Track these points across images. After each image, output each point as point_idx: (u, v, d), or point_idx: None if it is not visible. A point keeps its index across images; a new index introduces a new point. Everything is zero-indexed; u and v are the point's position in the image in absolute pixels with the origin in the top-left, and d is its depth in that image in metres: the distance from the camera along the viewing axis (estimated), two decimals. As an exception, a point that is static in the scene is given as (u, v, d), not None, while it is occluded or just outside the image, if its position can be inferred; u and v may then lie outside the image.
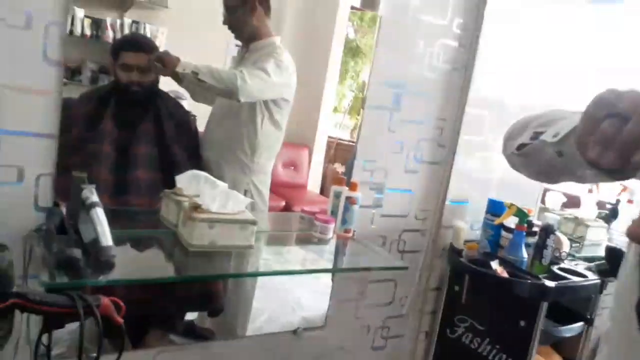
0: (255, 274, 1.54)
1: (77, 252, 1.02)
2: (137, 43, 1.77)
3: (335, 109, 3.96)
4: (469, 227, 1.94)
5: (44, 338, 0.91)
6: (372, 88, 1.72)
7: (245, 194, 1.81)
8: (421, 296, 2.01)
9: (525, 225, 1.80)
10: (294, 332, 1.74)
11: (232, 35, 1.81)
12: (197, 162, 1.82)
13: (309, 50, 3.61)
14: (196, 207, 1.30)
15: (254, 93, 1.68)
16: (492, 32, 1.84)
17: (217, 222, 1.29)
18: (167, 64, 1.63)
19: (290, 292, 2.05)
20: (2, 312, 0.81)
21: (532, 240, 1.82)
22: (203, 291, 1.73)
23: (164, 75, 1.67)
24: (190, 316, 1.87)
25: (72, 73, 3.25)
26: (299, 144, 3.94)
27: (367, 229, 1.79)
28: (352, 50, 3.49)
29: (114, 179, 1.61)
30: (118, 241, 1.31)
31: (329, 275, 1.83)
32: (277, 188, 3.95)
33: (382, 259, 1.61)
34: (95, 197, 1.15)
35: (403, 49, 1.73)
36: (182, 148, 1.76)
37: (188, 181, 1.44)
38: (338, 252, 1.64)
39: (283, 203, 3.54)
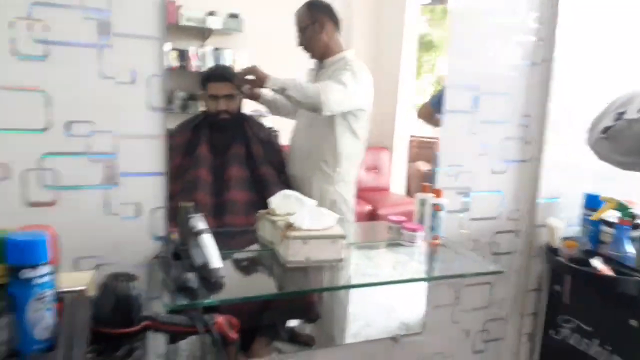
0: (348, 287, 1.61)
1: (191, 276, 1.15)
2: (222, 74, 1.90)
3: (417, 106, 3.94)
4: (564, 224, 1.87)
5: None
6: (448, 92, 1.73)
7: (333, 204, 1.90)
8: (520, 298, 1.97)
9: (629, 219, 1.70)
10: (393, 338, 1.79)
11: (307, 53, 1.92)
12: (285, 178, 1.94)
13: (381, 51, 3.65)
14: (290, 226, 1.40)
15: (335, 107, 1.77)
16: (569, 21, 1.78)
17: (310, 239, 1.38)
18: (259, 78, 1.75)
19: (384, 296, 2.07)
20: (137, 333, 0.95)
21: (638, 234, 1.71)
22: (301, 301, 1.82)
23: (255, 86, 1.79)
24: (291, 323, 1.99)
25: (169, 102, 3.55)
26: (378, 146, 3.99)
27: (456, 233, 1.79)
28: (426, 45, 3.45)
29: (212, 201, 1.76)
30: (224, 262, 1.46)
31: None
32: (362, 193, 4.00)
33: (475, 263, 1.60)
34: (202, 225, 1.28)
35: (476, 50, 1.72)
36: (270, 167, 1.88)
37: (280, 201, 1.55)
38: (430, 259, 1.66)
39: (369, 207, 3.60)
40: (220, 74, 1.92)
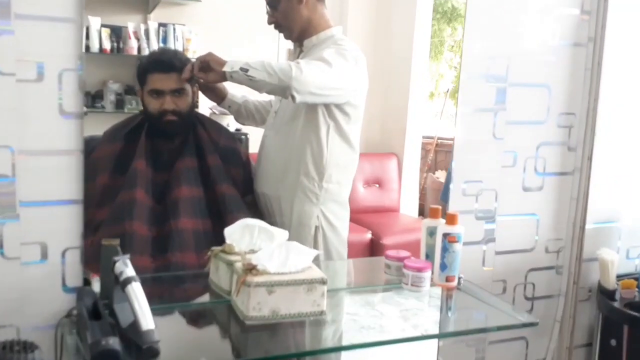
0: (333, 350, 1.62)
1: (114, 342, 1.16)
2: (169, 62, 1.88)
3: (431, 95, 3.95)
4: (622, 256, 1.91)
5: None
6: (464, 85, 1.76)
7: (315, 232, 1.92)
8: (565, 357, 2.00)
9: None
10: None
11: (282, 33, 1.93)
12: (252, 199, 1.95)
13: (385, 26, 3.68)
14: (251, 269, 1.41)
15: (311, 87, 1.73)
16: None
17: (277, 286, 1.39)
18: (214, 65, 1.74)
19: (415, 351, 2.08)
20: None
21: None
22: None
23: (211, 81, 1.81)
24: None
25: (92, 99, 3.55)
26: (384, 153, 4.01)
27: (478, 272, 1.82)
28: (446, 15, 3.48)
29: (152, 233, 1.78)
30: (162, 319, 1.47)
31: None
32: (359, 215, 4.00)
33: (500, 313, 1.63)
34: (130, 270, 1.30)
35: (502, 27, 1.76)
36: (232, 185, 1.90)
37: (239, 234, 1.57)
38: (442, 308, 1.69)
39: (368, 236, 3.60)
40: (165, 61, 1.91)
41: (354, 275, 1.99)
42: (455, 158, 1.80)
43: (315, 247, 1.91)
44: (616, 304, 1.80)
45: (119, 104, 2.48)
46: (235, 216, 1.72)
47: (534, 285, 1.93)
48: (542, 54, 1.83)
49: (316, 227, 1.92)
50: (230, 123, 2.39)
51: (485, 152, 1.81)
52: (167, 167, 1.85)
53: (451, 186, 1.80)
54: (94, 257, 1.40)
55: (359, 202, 3.94)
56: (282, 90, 1.72)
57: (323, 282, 1.44)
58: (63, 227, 1.35)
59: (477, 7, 1.74)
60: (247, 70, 1.70)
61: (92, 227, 1.76)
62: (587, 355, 2.01)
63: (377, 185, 3.97)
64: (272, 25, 1.91)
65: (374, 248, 3.46)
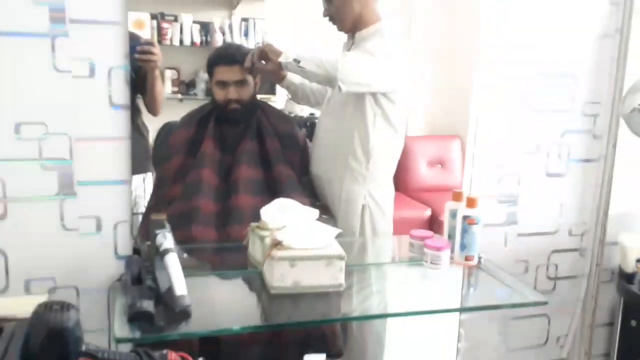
0: (342, 319, 1.64)
1: (148, 305, 1.22)
2: (231, 56, 1.93)
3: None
4: (643, 242, 1.82)
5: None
6: (482, 68, 1.71)
7: (362, 211, 1.93)
8: (587, 335, 1.94)
9: None
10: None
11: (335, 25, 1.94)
12: (307, 180, 1.99)
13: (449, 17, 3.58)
14: (277, 244, 1.44)
15: (358, 78, 1.77)
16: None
17: (299, 260, 1.42)
18: (271, 55, 1.80)
19: (442, 324, 2.07)
20: (74, 370, 1.03)
21: None
22: (317, 333, 1.86)
23: (269, 68, 1.84)
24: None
25: (186, 87, 3.73)
26: (446, 135, 3.95)
27: (499, 253, 1.79)
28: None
29: (216, 208, 1.84)
30: (204, 286, 1.53)
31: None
32: (421, 194, 4.00)
33: (515, 291, 1.59)
34: (168, 243, 1.35)
35: (525, 15, 1.70)
36: (289, 166, 1.93)
37: (274, 212, 1.60)
38: (462, 285, 1.67)
39: (429, 212, 3.58)
40: (229, 55, 1.96)
41: (396, 250, 1.98)
42: (478, 141, 1.76)
43: (362, 224, 1.94)
44: (634, 287, 1.72)
45: (209, 92, 2.57)
46: (289, 195, 1.75)
47: (556, 266, 1.88)
48: (567, 43, 1.76)
49: (363, 206, 1.94)
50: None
51: (508, 137, 1.77)
52: (232, 149, 1.91)
53: (472, 171, 1.76)
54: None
55: (422, 182, 3.93)
56: (330, 80, 1.77)
57: (341, 257, 1.45)
58: (114, 204, 1.42)
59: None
60: (299, 62, 1.76)
61: (166, 202, 1.86)
62: (609, 334, 1.94)
63: (440, 166, 3.94)
64: (327, 18, 1.93)
65: (432, 224, 3.44)
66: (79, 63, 1.33)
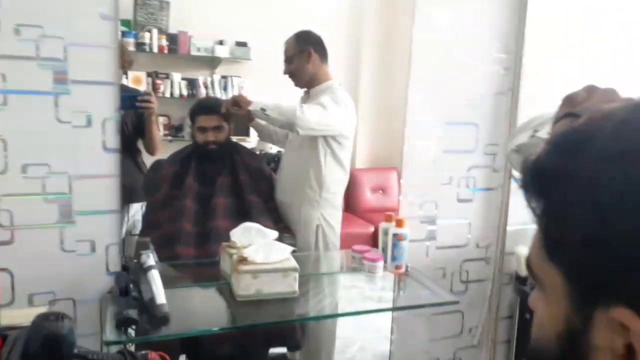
0: (296, 320, 1.62)
1: (133, 312, 1.19)
2: (210, 107, 1.96)
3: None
4: (535, 251, 1.85)
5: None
6: (409, 125, 1.75)
7: (317, 229, 1.94)
8: (493, 326, 1.95)
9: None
10: (358, 368, 1.79)
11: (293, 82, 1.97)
12: (272, 205, 1.98)
13: (389, 60, 3.65)
14: (242, 260, 1.43)
15: (312, 124, 1.80)
16: (535, 51, 1.78)
17: (260, 272, 1.41)
18: (242, 104, 1.83)
19: (381, 320, 2.07)
20: (67, 371, 0.99)
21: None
22: (279, 330, 1.84)
23: (240, 114, 1.86)
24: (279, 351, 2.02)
25: (175, 130, 3.69)
26: (386, 167, 4.01)
27: (422, 262, 1.79)
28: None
29: (196, 229, 1.81)
30: (183, 295, 1.50)
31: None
32: (366, 214, 4.02)
33: (434, 293, 1.60)
34: (151, 261, 1.33)
35: (440, 79, 1.74)
36: (258, 195, 1.93)
37: (241, 234, 1.58)
38: (389, 289, 1.67)
39: (372, 229, 3.60)
40: (208, 106, 1.98)
41: (329, 264, 1.97)
42: (404, 176, 1.78)
43: (317, 240, 1.94)
44: (527, 288, 1.75)
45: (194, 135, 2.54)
46: (257, 219, 1.75)
47: (467, 272, 1.89)
48: (472, 100, 1.80)
49: (317, 226, 1.95)
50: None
51: (426, 173, 1.79)
52: (211, 182, 1.90)
53: (401, 197, 1.78)
54: (155, 248, 1.44)
55: (367, 204, 3.97)
56: (290, 125, 1.80)
57: (295, 270, 1.45)
58: (106, 229, 1.39)
59: (421, 65, 1.72)
60: (264, 110, 1.79)
61: (155, 226, 1.82)
62: (509, 325, 1.96)
63: (381, 192, 3.98)
64: (287, 75, 1.96)
65: (375, 238, 3.46)
66: (78, 115, 1.31)
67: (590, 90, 0.49)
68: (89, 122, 1.33)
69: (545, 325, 0.40)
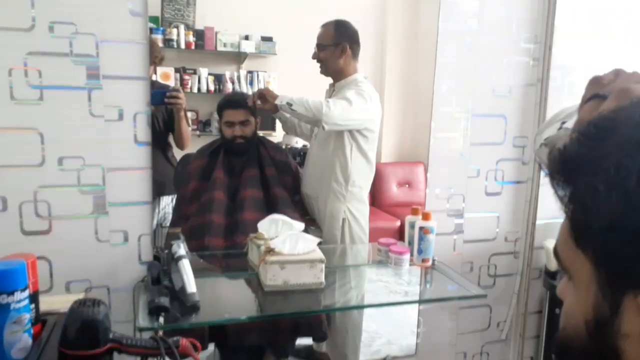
0: (322, 311, 1.64)
1: (164, 300, 1.23)
2: (236, 101, 1.99)
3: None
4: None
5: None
6: (435, 114, 1.73)
7: (343, 223, 1.95)
8: (521, 320, 1.93)
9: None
10: (384, 359, 1.80)
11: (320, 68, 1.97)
12: (299, 198, 2.00)
13: (415, 53, 3.64)
14: (270, 250, 1.45)
15: (337, 120, 1.80)
16: (564, 43, 1.75)
17: (287, 263, 1.43)
18: (269, 98, 1.84)
19: (407, 314, 2.07)
20: (103, 355, 1.04)
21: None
22: (306, 321, 1.86)
23: (266, 108, 1.87)
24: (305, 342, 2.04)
25: (203, 125, 3.75)
26: (412, 162, 3.98)
27: (450, 256, 1.79)
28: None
29: (225, 221, 1.85)
30: (212, 285, 1.53)
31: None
32: (392, 208, 4.02)
33: (461, 287, 1.59)
34: (182, 251, 1.37)
35: (467, 70, 1.72)
36: (284, 188, 1.95)
37: (268, 225, 1.61)
38: (415, 282, 1.67)
39: (398, 224, 3.60)
40: (235, 101, 2.01)
41: (355, 256, 1.98)
42: (430, 170, 1.77)
43: (343, 234, 1.95)
44: (556, 282, 1.72)
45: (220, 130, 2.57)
46: (283, 211, 1.78)
47: (495, 266, 1.87)
48: (500, 91, 1.78)
49: (343, 219, 1.95)
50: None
51: (454, 166, 1.77)
52: (238, 175, 1.93)
53: (427, 191, 1.78)
54: (185, 239, 1.48)
55: (393, 199, 3.95)
56: (315, 121, 1.80)
57: (322, 261, 1.46)
58: (138, 220, 1.43)
59: (447, 56, 1.70)
60: (291, 105, 1.79)
61: (184, 218, 1.87)
62: (538, 320, 1.93)
63: (407, 186, 3.96)
64: (315, 60, 1.96)
65: (401, 233, 3.45)
66: (110, 109, 1.35)
67: (617, 72, 0.49)
68: (120, 116, 1.36)
69: (573, 313, 0.40)
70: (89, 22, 1.29)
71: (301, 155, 2.47)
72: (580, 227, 0.38)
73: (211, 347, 1.78)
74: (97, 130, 1.34)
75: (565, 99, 1.77)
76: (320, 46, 1.93)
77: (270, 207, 1.87)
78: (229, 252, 1.77)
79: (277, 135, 3.15)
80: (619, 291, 0.36)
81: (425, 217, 1.67)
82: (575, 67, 1.78)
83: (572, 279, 0.40)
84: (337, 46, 1.90)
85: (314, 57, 1.95)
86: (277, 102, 1.82)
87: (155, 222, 1.87)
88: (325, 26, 1.95)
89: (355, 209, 1.96)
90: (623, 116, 0.37)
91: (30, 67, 1.27)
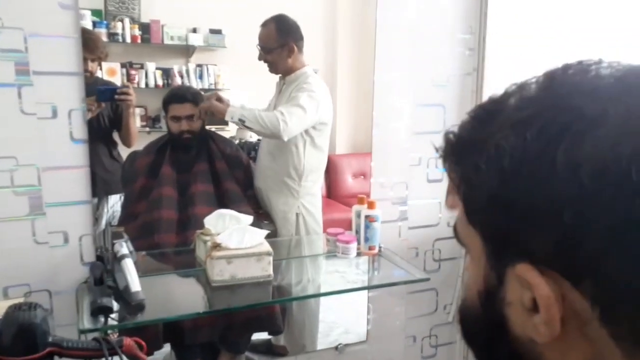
0: (267, 303, 1.65)
1: (107, 301, 1.21)
2: (183, 95, 1.97)
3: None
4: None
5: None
6: (377, 104, 1.77)
7: (297, 218, 1.96)
8: (466, 302, 2.00)
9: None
10: (336, 348, 1.84)
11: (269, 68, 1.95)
12: (251, 193, 1.99)
13: (366, 43, 3.66)
14: (216, 246, 1.45)
15: (295, 131, 1.82)
16: (498, 32, 1.82)
17: (234, 258, 1.43)
18: (216, 113, 1.83)
19: (363, 303, 2.10)
20: (42, 359, 1.01)
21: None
22: (257, 315, 1.87)
23: (216, 120, 1.85)
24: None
25: (152, 121, 3.65)
26: (366, 152, 4.04)
27: (395, 242, 1.84)
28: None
29: (177, 217, 1.82)
30: (160, 283, 1.52)
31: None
32: (348, 199, 4.05)
33: (407, 272, 1.65)
34: (124, 250, 1.34)
35: (406, 61, 1.76)
36: (235, 182, 1.94)
37: (215, 220, 1.60)
38: (363, 269, 1.71)
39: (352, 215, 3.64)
40: (180, 95, 1.98)
41: (308, 247, 2.00)
42: (374, 159, 1.81)
43: (298, 228, 1.96)
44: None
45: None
46: (236, 205, 1.77)
47: (440, 250, 1.94)
48: (437, 81, 1.83)
49: (297, 214, 1.96)
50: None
51: (395, 155, 1.82)
52: (187, 170, 1.90)
53: (372, 180, 1.82)
54: (134, 237, 1.47)
55: (348, 190, 4.00)
56: (274, 136, 1.81)
57: (269, 253, 1.47)
58: (79, 220, 1.39)
59: (386, 47, 1.73)
60: (244, 122, 1.79)
61: (133, 216, 1.83)
62: (482, 301, 2.00)
63: (362, 177, 4.02)
64: (261, 61, 1.95)
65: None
66: (43, 106, 1.30)
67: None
68: (54, 114, 1.32)
69: (470, 286, 0.43)
70: (15, 16, 1.24)
71: (255, 149, 2.46)
72: (469, 204, 0.41)
73: (167, 347, 1.76)
74: (30, 129, 1.30)
75: (500, 87, 1.83)
76: (265, 49, 1.92)
77: (221, 201, 1.86)
78: (177, 250, 1.75)
79: (231, 130, 3.12)
80: (502, 263, 0.39)
81: (370, 205, 1.71)
82: (509, 57, 1.85)
83: (470, 254, 0.43)
84: (283, 47, 1.90)
85: (260, 59, 1.94)
86: (227, 118, 1.81)
87: (104, 221, 1.83)
88: (265, 26, 1.94)
89: (308, 203, 1.98)
90: (506, 99, 0.40)
91: (-48, 64, 1.21)
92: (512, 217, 0.36)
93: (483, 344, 0.44)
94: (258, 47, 1.94)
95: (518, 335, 0.39)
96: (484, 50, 1.82)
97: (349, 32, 3.86)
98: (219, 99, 1.88)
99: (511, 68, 1.86)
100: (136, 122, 3.19)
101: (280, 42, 1.90)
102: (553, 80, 0.40)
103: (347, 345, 1.86)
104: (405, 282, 1.61)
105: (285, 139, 1.78)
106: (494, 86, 1.58)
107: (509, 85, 0.43)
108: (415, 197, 1.86)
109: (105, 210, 1.95)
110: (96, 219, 1.77)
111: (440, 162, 1.53)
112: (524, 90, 0.40)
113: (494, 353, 0.43)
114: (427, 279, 1.56)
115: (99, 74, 2.33)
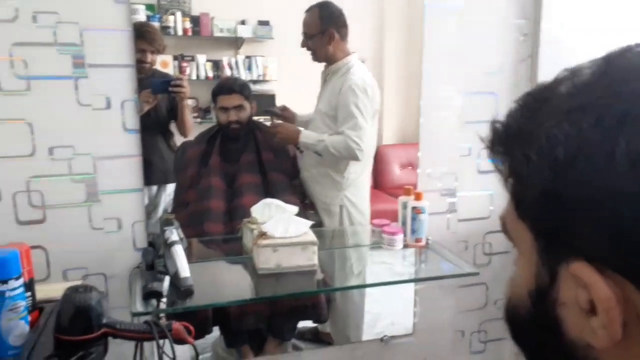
0: (312, 292, 1.65)
1: (158, 285, 1.25)
2: (230, 87, 2.01)
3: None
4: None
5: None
6: (425, 93, 1.73)
7: (340, 210, 1.96)
8: (518, 297, 1.93)
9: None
10: (381, 339, 1.82)
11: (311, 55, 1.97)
12: (297, 183, 2.01)
13: (411, 28, 3.60)
14: (262, 234, 1.47)
15: (369, 147, 1.89)
16: (553, 16, 1.73)
17: (280, 246, 1.44)
18: (289, 139, 1.91)
19: (410, 295, 2.08)
20: (97, 339, 1.06)
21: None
22: (302, 303, 1.89)
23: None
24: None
25: (203, 113, 3.74)
26: (415, 143, 3.98)
27: (444, 235, 1.80)
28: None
29: (225, 207, 1.87)
30: (208, 270, 1.55)
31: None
32: (394, 190, 4.00)
33: (455, 265, 1.61)
34: (175, 237, 1.38)
35: (456, 48, 1.71)
36: (282, 173, 1.96)
37: (261, 209, 1.62)
38: (410, 262, 1.69)
39: (400, 205, 3.60)
40: (228, 86, 2.02)
41: (352, 239, 1.99)
42: (422, 149, 1.77)
43: (341, 219, 1.96)
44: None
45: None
46: (281, 195, 1.79)
47: (490, 244, 1.88)
48: (490, 68, 1.76)
49: (340, 206, 1.96)
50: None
51: (445, 145, 1.77)
52: (235, 160, 1.94)
53: (419, 171, 1.78)
54: (184, 225, 1.51)
55: (396, 181, 3.95)
56: (352, 159, 1.87)
57: (314, 243, 1.48)
58: (131, 207, 1.44)
59: (436, 34, 1.69)
60: (319, 153, 1.86)
61: (184, 204, 1.89)
62: (535, 297, 1.93)
63: (410, 168, 3.96)
64: (305, 48, 1.96)
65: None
66: (97, 98, 1.35)
67: None
68: (108, 104, 1.37)
69: (519, 283, 0.41)
70: (71, 10, 1.29)
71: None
72: (519, 197, 0.39)
73: (217, 332, 1.81)
74: (86, 119, 1.35)
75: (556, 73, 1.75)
76: (307, 35, 1.93)
77: (268, 191, 1.89)
78: (225, 237, 1.79)
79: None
80: (555, 260, 0.36)
81: (417, 197, 1.67)
82: (565, 42, 1.76)
83: (518, 250, 0.41)
84: (323, 34, 1.90)
85: (302, 46, 1.95)
86: (302, 147, 1.89)
87: (161, 208, 1.90)
88: (309, 13, 1.94)
89: (352, 195, 1.97)
90: (557, 85, 0.38)
91: (16, 58, 1.28)
92: (566, 211, 0.34)
93: (535, 347, 0.42)
94: (302, 33, 1.95)
95: (573, 339, 0.36)
96: (539, 35, 1.74)
97: (396, 19, 3.78)
98: (285, 110, 1.98)
99: (568, 55, 1.77)
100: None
101: (321, 28, 1.90)
102: (609, 65, 0.37)
103: (392, 337, 1.84)
104: (454, 276, 1.58)
105: (362, 157, 1.83)
106: (550, 74, 1.52)
107: (561, 71, 0.40)
108: (465, 189, 1.81)
109: (163, 198, 2.01)
110: (154, 207, 1.85)
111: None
112: (577, 75, 0.37)
113: (546, 358, 0.40)
114: (477, 274, 1.52)
115: (157, 67, 2.41)
